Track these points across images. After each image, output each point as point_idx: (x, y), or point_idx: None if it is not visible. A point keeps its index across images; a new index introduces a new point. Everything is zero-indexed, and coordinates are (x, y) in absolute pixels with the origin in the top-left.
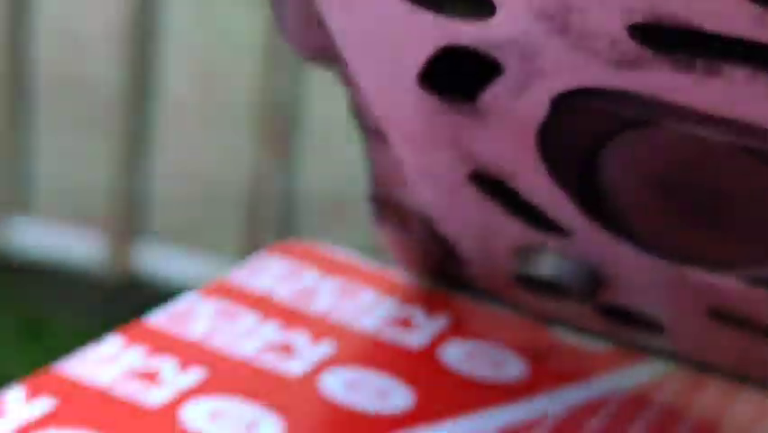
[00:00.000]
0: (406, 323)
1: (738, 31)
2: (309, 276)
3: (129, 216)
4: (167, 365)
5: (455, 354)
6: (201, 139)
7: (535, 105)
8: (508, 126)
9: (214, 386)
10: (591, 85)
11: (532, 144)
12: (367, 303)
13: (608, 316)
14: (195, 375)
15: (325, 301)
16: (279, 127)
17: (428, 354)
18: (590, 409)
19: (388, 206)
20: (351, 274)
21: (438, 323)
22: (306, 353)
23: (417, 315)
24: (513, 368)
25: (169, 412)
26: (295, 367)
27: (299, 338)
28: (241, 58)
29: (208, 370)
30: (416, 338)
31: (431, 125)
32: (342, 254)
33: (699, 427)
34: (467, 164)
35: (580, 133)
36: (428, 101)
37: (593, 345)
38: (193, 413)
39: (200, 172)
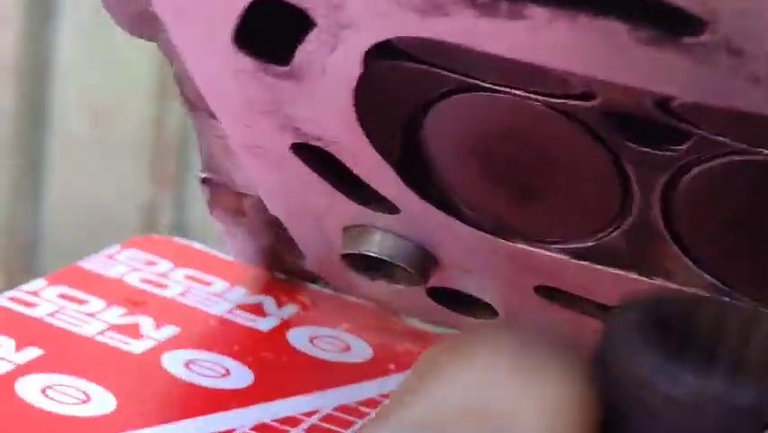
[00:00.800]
0: (255, 310)
1: None
2: (162, 265)
3: (22, 253)
4: (4, 345)
5: (301, 338)
6: (96, 173)
7: (348, 61)
8: (324, 88)
9: (51, 363)
10: (401, 35)
11: (350, 109)
12: (218, 291)
13: (443, 301)
14: (32, 353)
15: (176, 289)
16: (171, 161)
17: (275, 338)
18: None
19: (219, 190)
20: (205, 264)
21: (288, 310)
22: (150, 334)
23: (268, 302)
24: (359, 352)
25: (3, 385)
26: (137, 347)
27: (145, 321)
28: (135, 91)
29: (46, 349)
30: (264, 324)
31: (250, 91)
32: (200, 247)
33: None
34: (289, 134)
35: (399, 99)
36: (245, 64)
37: (441, 331)
38: (26, 386)
39: (94, 205)
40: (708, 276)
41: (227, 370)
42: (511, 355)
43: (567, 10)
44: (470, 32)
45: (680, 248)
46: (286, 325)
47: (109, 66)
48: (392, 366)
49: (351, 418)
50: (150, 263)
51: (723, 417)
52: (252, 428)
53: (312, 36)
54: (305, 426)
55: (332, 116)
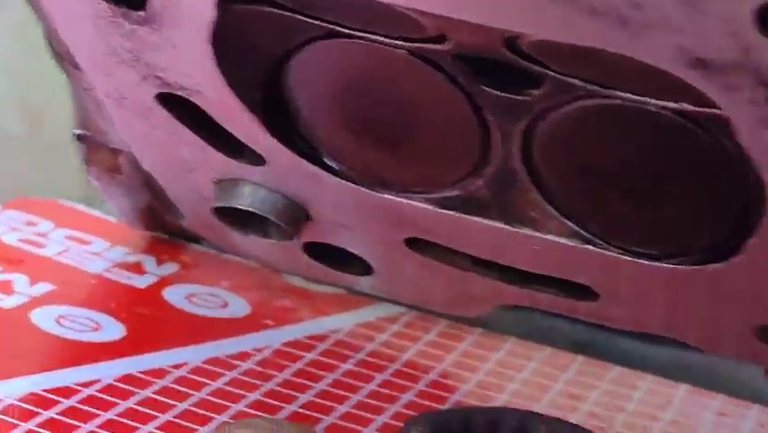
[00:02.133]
0: (133, 268)
1: None
2: (43, 226)
3: None
4: None
5: (178, 295)
6: (31, 174)
7: (202, 5)
8: (182, 34)
9: None
10: None
11: (209, 56)
12: (97, 250)
13: (319, 257)
14: None
15: (54, 249)
16: None
17: (151, 295)
18: (307, 345)
19: (94, 146)
20: (86, 225)
21: (167, 269)
22: (22, 291)
23: (147, 261)
24: (237, 309)
25: None
26: (7, 303)
27: (19, 278)
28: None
29: None
30: (141, 281)
31: (110, 39)
32: (84, 208)
33: (413, 366)
34: (152, 84)
35: (260, 46)
36: (103, 10)
37: (322, 289)
38: None
39: None
40: (571, 223)
41: (98, 324)
42: None
43: None
44: None
45: (542, 195)
46: (164, 282)
47: (42, 63)
48: (269, 322)
49: (220, 370)
50: (31, 224)
51: None
52: (117, 379)
53: None
54: (171, 378)
55: (192, 64)
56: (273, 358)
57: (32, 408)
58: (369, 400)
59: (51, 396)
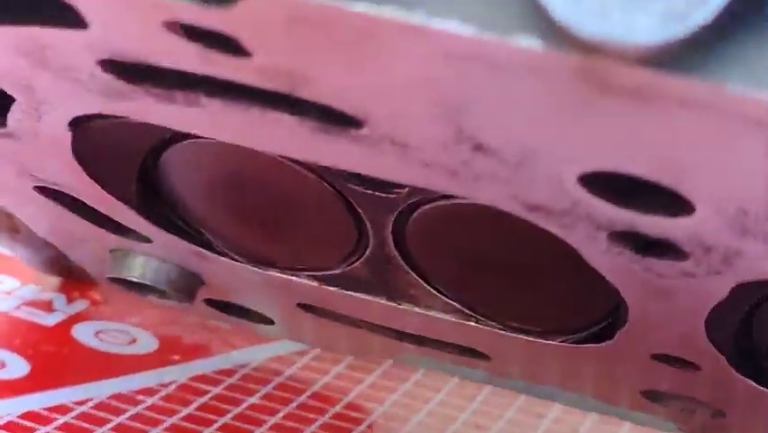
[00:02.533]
0: (43, 306)
1: (192, 67)
2: None
3: None
4: None
5: (87, 332)
6: None
7: (56, 128)
8: (44, 148)
9: None
10: (95, 112)
11: (74, 165)
12: (7, 289)
13: (222, 309)
14: None
15: None
16: None
17: (59, 332)
18: (214, 380)
19: None
20: None
21: (77, 306)
22: None
23: (57, 299)
24: (145, 344)
25: None
26: None
27: None
28: None
29: None
30: (50, 319)
31: None
32: None
33: (320, 399)
34: (28, 179)
35: (126, 149)
36: None
37: (230, 323)
38: None
39: None
40: (451, 301)
41: (2, 363)
42: None
43: (239, 103)
44: (153, 114)
45: (419, 277)
46: (73, 320)
47: None
48: (176, 357)
49: (125, 406)
50: None
51: None
52: (20, 416)
53: (15, 108)
54: (74, 413)
55: (60, 171)
56: (178, 393)
57: None
58: None
59: None
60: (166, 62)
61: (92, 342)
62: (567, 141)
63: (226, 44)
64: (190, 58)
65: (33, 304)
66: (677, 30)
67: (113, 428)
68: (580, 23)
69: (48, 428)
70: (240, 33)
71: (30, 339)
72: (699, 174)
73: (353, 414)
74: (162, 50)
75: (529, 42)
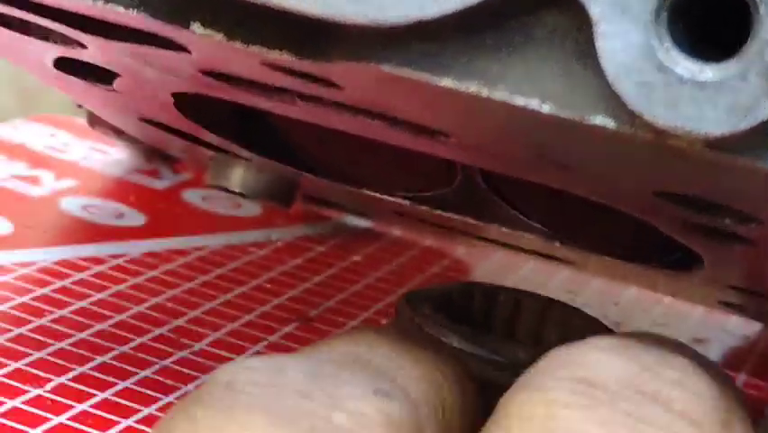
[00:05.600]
0: (151, 173)
1: (285, 85)
2: (63, 137)
3: None
4: None
5: (195, 196)
6: None
7: (160, 93)
8: (147, 98)
9: None
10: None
11: (175, 112)
12: (116, 159)
13: (316, 204)
14: None
15: (76, 154)
16: None
17: (169, 195)
18: (318, 240)
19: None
20: (105, 138)
21: (183, 177)
22: (49, 184)
23: (164, 169)
24: (250, 209)
25: None
26: (37, 192)
27: (45, 174)
28: None
29: None
30: (159, 184)
31: None
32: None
33: (422, 256)
34: (134, 113)
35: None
36: None
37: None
38: None
39: None
40: (536, 224)
41: (121, 213)
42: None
43: (329, 107)
44: (249, 101)
45: (506, 203)
46: (181, 186)
47: None
48: (279, 221)
49: (237, 254)
50: (53, 135)
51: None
52: (143, 254)
53: (119, 80)
54: (192, 257)
55: (162, 115)
56: (286, 248)
57: None
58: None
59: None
60: (264, 80)
61: (200, 203)
62: (640, 175)
63: (319, 79)
64: (285, 82)
65: (143, 171)
66: (743, 122)
67: (224, 275)
68: (652, 112)
69: (169, 265)
70: (332, 77)
71: (143, 197)
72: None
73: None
74: (259, 75)
75: (604, 121)
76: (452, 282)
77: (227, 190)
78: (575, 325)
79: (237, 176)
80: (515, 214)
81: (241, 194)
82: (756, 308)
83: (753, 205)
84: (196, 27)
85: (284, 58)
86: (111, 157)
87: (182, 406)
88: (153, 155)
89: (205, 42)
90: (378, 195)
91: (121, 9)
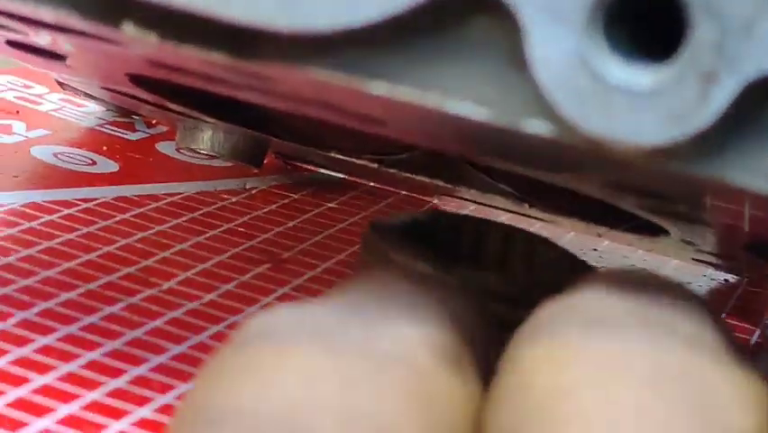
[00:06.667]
0: (126, 126)
1: None
2: (38, 89)
3: None
4: None
5: (170, 147)
6: None
7: None
8: None
9: None
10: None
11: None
12: (91, 111)
13: (286, 161)
14: None
15: (50, 106)
16: None
17: (143, 145)
18: (291, 187)
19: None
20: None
21: (158, 129)
22: (21, 133)
23: (139, 122)
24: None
25: None
26: (7, 139)
27: (17, 124)
28: None
29: None
30: (133, 135)
31: None
32: None
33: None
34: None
35: None
36: None
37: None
38: None
39: None
40: (506, 188)
41: (93, 161)
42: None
43: None
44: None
45: (474, 168)
46: (155, 138)
47: None
48: (254, 171)
49: (210, 200)
50: (27, 87)
51: None
52: (114, 199)
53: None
54: (163, 202)
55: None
56: (259, 195)
57: None
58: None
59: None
60: (206, 72)
61: (175, 154)
62: (591, 170)
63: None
64: (226, 75)
65: (117, 124)
66: (679, 131)
67: (196, 219)
68: (587, 123)
69: (141, 209)
70: (270, 75)
71: (116, 147)
72: None
73: None
74: (201, 67)
75: (539, 128)
76: (416, 212)
77: (197, 152)
78: (539, 251)
79: (206, 138)
80: (483, 177)
81: (210, 155)
82: (728, 265)
83: (702, 199)
84: (128, 28)
85: (218, 58)
86: (85, 110)
87: (225, 354)
88: (128, 112)
89: (139, 42)
90: (346, 158)
91: (51, 9)
